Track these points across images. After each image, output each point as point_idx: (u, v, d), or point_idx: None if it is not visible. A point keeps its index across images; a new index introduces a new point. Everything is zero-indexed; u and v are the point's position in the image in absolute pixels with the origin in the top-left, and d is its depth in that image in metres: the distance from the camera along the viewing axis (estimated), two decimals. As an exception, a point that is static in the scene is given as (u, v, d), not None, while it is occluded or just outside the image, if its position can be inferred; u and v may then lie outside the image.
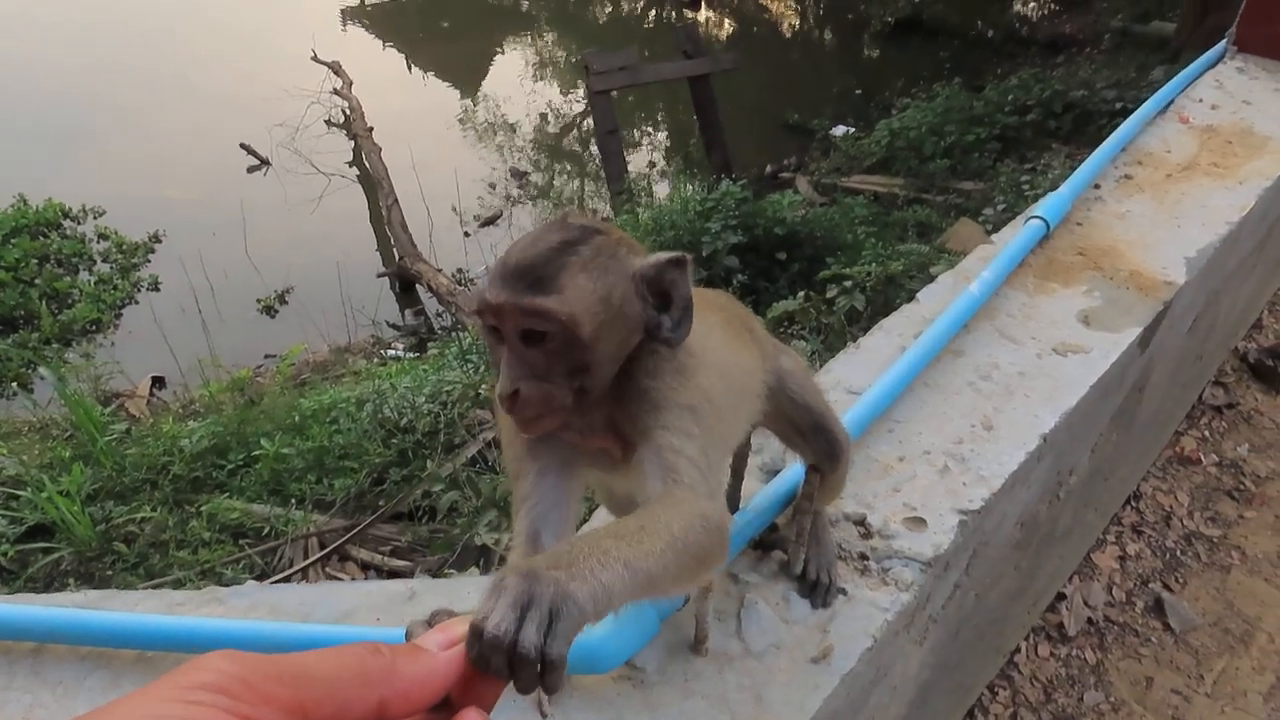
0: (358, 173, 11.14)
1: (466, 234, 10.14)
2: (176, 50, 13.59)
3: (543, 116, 13.49)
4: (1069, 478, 2.38)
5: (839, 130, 11.16)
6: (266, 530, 4.49)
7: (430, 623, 0.72)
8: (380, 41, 15.51)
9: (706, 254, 6.66)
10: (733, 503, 1.70)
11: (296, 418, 5.23)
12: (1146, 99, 3.45)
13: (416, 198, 9.92)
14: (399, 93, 13.27)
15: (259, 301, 9.02)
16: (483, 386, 5.10)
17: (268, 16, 15.27)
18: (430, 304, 9.02)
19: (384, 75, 13.66)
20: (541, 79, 14.90)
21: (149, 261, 9.64)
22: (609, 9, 17.93)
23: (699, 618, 1.46)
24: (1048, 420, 2.00)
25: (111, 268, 9.45)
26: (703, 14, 16.79)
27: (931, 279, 2.55)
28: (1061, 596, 3.04)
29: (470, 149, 12.46)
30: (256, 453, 4.91)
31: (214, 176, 10.96)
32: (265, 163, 11.23)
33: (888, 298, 5.18)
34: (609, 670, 1.40)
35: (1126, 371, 2.37)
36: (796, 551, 1.60)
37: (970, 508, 1.79)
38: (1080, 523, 2.86)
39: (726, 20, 17.27)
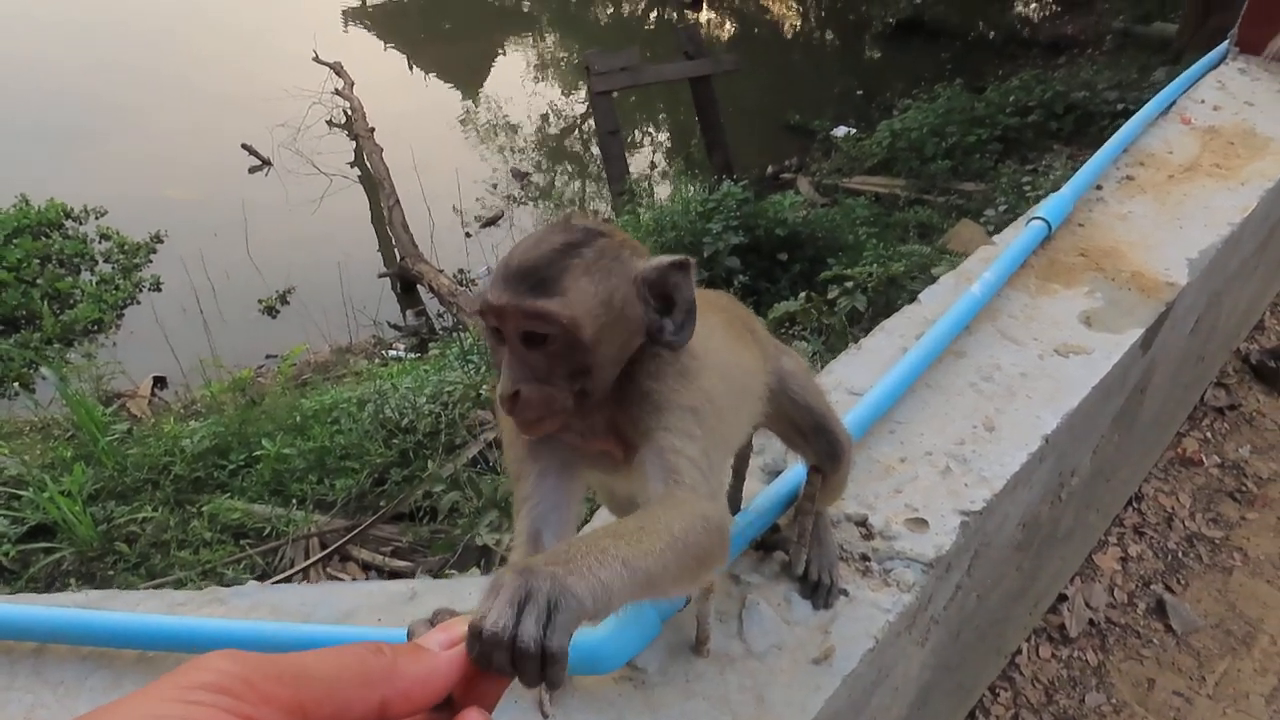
0: (359, 173, 11.15)
1: (468, 234, 10.14)
2: (177, 50, 13.61)
3: (544, 117, 13.50)
4: (1070, 479, 2.38)
5: (840, 131, 11.16)
6: (267, 530, 4.49)
7: (432, 622, 0.72)
8: (382, 42, 15.51)
9: (708, 255, 6.66)
10: (734, 503, 1.70)
11: (298, 418, 5.24)
12: (1148, 100, 3.45)
13: (418, 198, 9.93)
14: (400, 93, 13.28)
15: (260, 302, 9.03)
16: (484, 387, 5.10)
17: (269, 17, 15.29)
18: (431, 304, 9.03)
19: (385, 76, 13.67)
20: (543, 80, 14.91)
21: (150, 262, 9.64)
22: (610, 10, 17.93)
23: (700, 618, 1.45)
24: (1049, 421, 2.00)
25: (113, 268, 9.46)
26: (704, 15, 16.79)
27: (933, 280, 2.54)
28: (1063, 598, 3.04)
29: (472, 150, 12.46)
30: (258, 453, 4.91)
31: (215, 177, 10.96)
32: (267, 163, 11.24)
33: (889, 299, 5.18)
34: (610, 671, 1.40)
35: (1128, 373, 2.37)
36: (798, 552, 1.60)
37: (972, 509, 1.78)
38: (1082, 524, 2.85)
39: (728, 21, 17.27)
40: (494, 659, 0.67)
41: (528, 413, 1.06)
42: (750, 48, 15.18)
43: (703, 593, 1.41)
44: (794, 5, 17.33)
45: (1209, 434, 3.73)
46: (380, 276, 9.40)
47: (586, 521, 1.80)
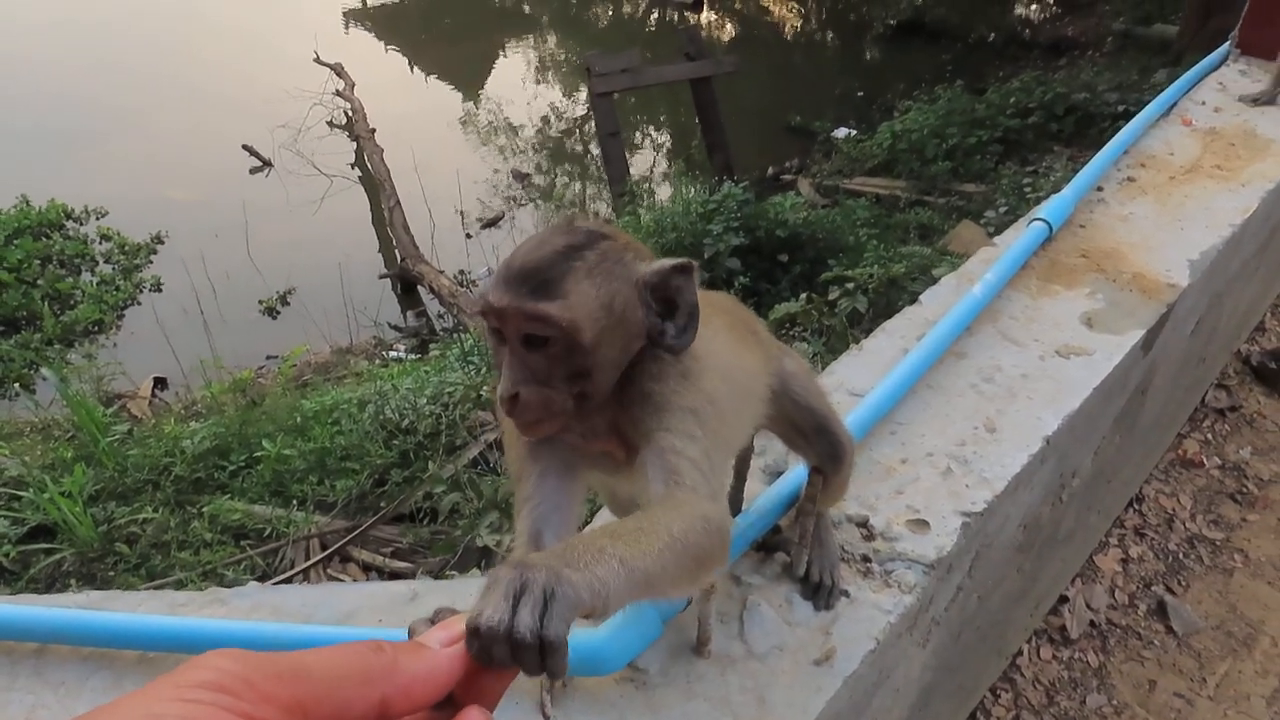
0: (360, 174, 11.16)
1: (468, 235, 10.15)
2: (178, 51, 13.61)
3: (545, 118, 13.50)
4: (1071, 480, 2.38)
5: (841, 132, 11.17)
6: (268, 531, 4.49)
7: (433, 621, 0.72)
8: (382, 43, 15.52)
9: (708, 256, 6.67)
10: (735, 505, 1.70)
11: (298, 419, 5.24)
12: (1149, 102, 3.45)
13: (418, 199, 9.93)
14: (401, 94, 13.29)
15: (261, 302, 9.03)
16: (484, 388, 5.10)
17: (269, 18, 15.31)
18: (432, 305, 9.03)
19: (386, 77, 13.67)
20: (543, 81, 14.92)
21: (151, 262, 9.65)
22: (611, 11, 17.94)
23: (702, 619, 1.45)
24: (1050, 422, 2.00)
25: (114, 269, 9.46)
26: (705, 16, 16.80)
27: (934, 281, 2.54)
28: (1064, 599, 3.04)
29: (472, 151, 12.47)
30: (258, 454, 4.91)
31: (216, 178, 10.97)
32: (267, 164, 11.25)
33: (890, 300, 5.18)
34: (611, 672, 1.40)
35: (1129, 374, 2.37)
36: (799, 553, 1.60)
37: (973, 510, 1.78)
38: (1083, 525, 2.85)
39: (728, 23, 17.28)
40: (494, 653, 0.67)
41: (527, 414, 1.06)
42: (751, 49, 15.18)
43: (704, 594, 1.41)
44: (795, 7, 17.34)
45: (1210, 435, 3.73)
46: (381, 277, 9.40)
47: (588, 522, 1.80)
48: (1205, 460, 3.61)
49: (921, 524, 1.75)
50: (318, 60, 12.51)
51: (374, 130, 11.23)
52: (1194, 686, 2.82)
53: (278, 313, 9.02)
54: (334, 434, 5.01)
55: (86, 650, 1.58)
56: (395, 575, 4.23)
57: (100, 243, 9.81)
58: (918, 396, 2.06)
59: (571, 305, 1.02)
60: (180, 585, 4.02)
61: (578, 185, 12.17)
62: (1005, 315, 2.35)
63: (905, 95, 11.61)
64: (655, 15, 17.12)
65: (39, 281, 8.81)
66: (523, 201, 11.24)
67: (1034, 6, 15.96)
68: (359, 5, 16.64)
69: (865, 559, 1.68)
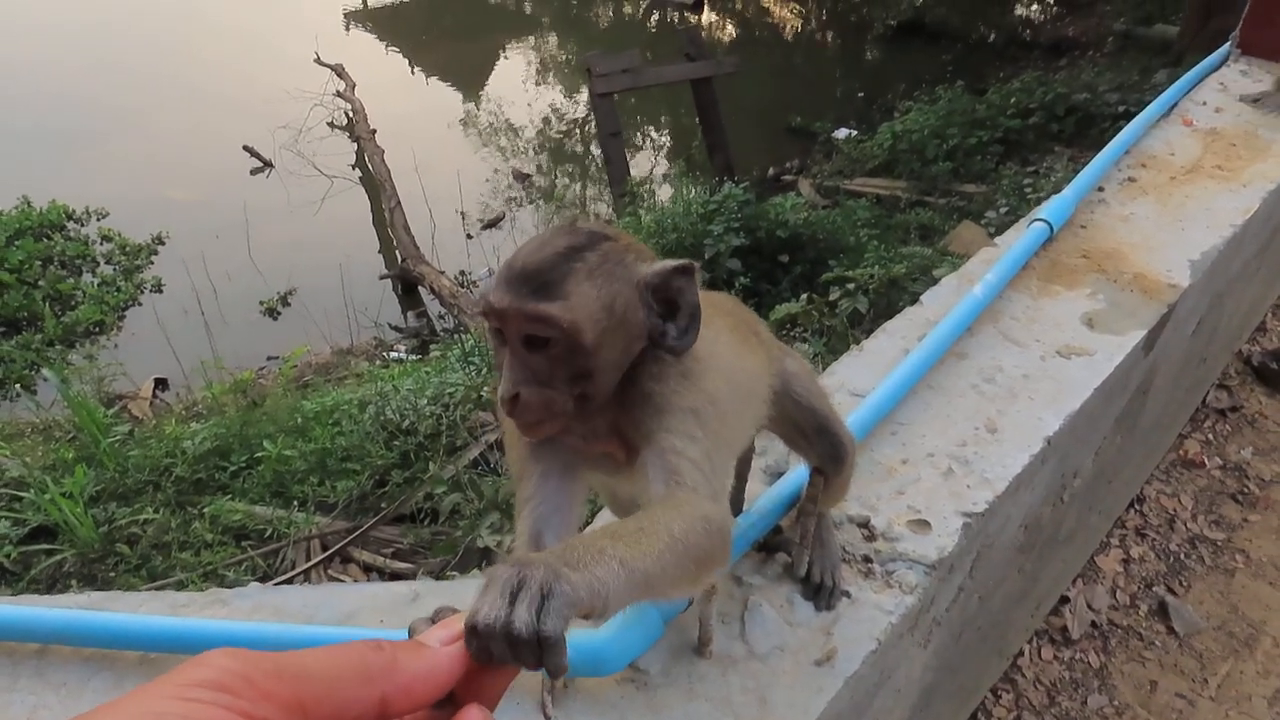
0: (360, 175, 11.16)
1: (469, 236, 10.15)
2: (179, 52, 13.62)
3: (545, 119, 13.51)
4: (1073, 480, 2.38)
5: (841, 133, 11.17)
6: (269, 532, 4.49)
7: (433, 620, 0.72)
8: (383, 44, 15.52)
9: (709, 256, 6.67)
10: (736, 505, 1.70)
11: (299, 420, 5.24)
12: (1150, 102, 3.45)
13: (419, 200, 9.94)
14: (402, 95, 13.29)
15: (262, 303, 9.03)
16: (485, 389, 5.10)
17: (270, 19, 15.31)
18: (433, 306, 9.03)
19: (387, 77, 13.68)
20: (544, 82, 14.92)
21: (152, 263, 9.66)
22: (611, 12, 17.95)
23: (703, 620, 1.45)
24: (1051, 423, 2.00)
25: (115, 269, 9.47)
26: (705, 17, 16.80)
27: (934, 281, 2.54)
28: (1065, 599, 3.04)
29: (473, 151, 12.47)
30: (259, 454, 4.92)
31: (217, 178, 10.98)
32: (268, 165, 11.25)
33: (890, 300, 5.18)
34: (613, 673, 1.40)
35: (1130, 374, 2.37)
36: (800, 554, 1.60)
37: (974, 510, 1.78)
38: (1084, 526, 2.85)
39: (729, 23, 17.28)
40: (493, 650, 0.67)
41: (528, 415, 1.06)
42: (751, 50, 15.18)
43: (705, 594, 1.41)
44: (795, 7, 17.34)
45: (1211, 436, 3.73)
46: (381, 278, 9.40)
47: (589, 523, 1.80)
48: (1206, 460, 3.61)
49: (923, 524, 1.75)
50: (318, 61, 12.52)
51: (375, 131, 11.23)
52: (1195, 687, 2.82)
53: (278, 313, 9.02)
54: (335, 435, 5.01)
55: (88, 651, 1.58)
56: (396, 576, 4.23)
57: (101, 243, 9.81)
58: (919, 397, 2.06)
59: (573, 306, 1.02)
60: (181, 586, 4.02)
61: (578, 186, 12.18)
62: (1006, 316, 2.35)
63: (906, 96, 11.62)
64: (656, 16, 17.12)
65: (40, 282, 8.82)
66: (523, 202, 11.24)
67: (1034, 7, 15.96)
68: (359, 6, 16.65)
69: (866, 559, 1.67)
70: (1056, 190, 2.86)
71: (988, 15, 15.30)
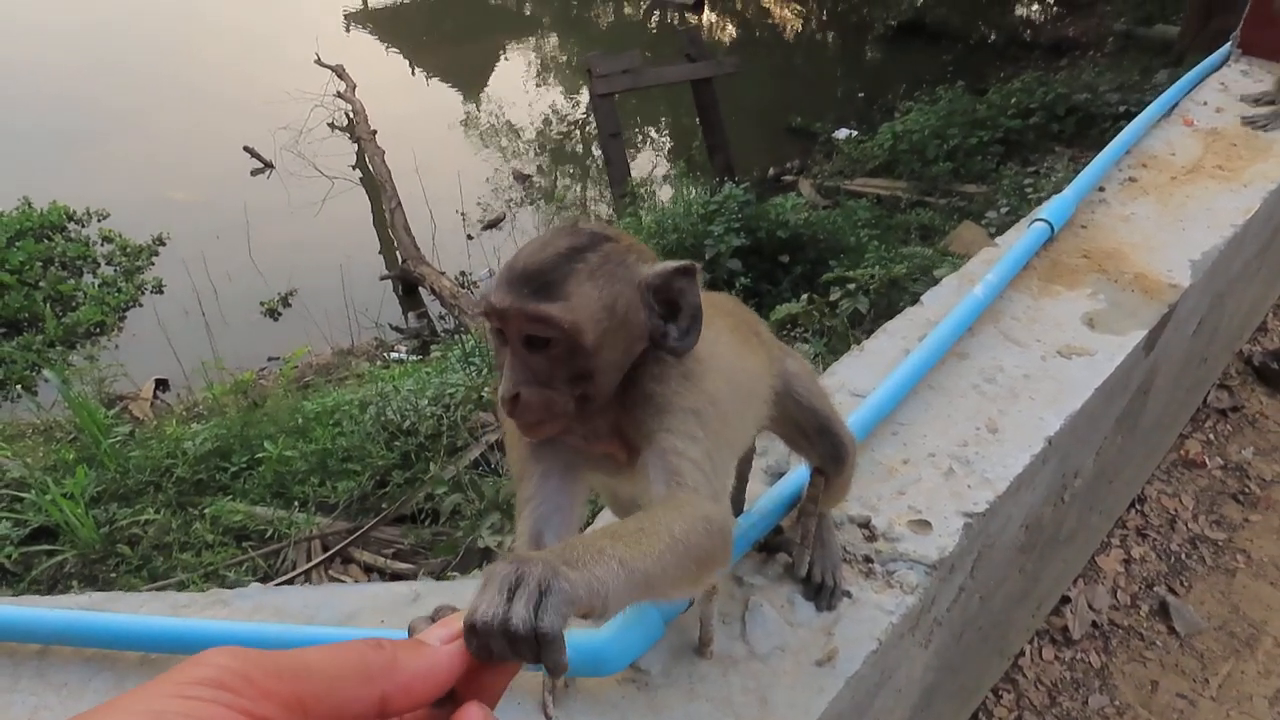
0: (361, 176, 11.16)
1: (469, 237, 10.15)
2: (179, 53, 13.62)
3: (545, 119, 13.51)
4: (1074, 480, 2.38)
5: (842, 133, 11.17)
6: (270, 533, 4.50)
7: (433, 618, 0.72)
8: (383, 45, 15.53)
9: (709, 257, 6.67)
10: (737, 505, 1.70)
11: (299, 420, 5.24)
12: (1150, 102, 3.45)
13: (420, 200, 9.94)
14: (402, 96, 13.29)
15: (262, 304, 9.03)
16: (485, 389, 5.10)
17: (270, 20, 15.31)
18: (433, 307, 9.04)
19: (387, 78, 13.68)
20: (544, 82, 14.92)
21: (153, 264, 9.66)
22: (612, 12, 17.95)
23: (704, 620, 1.45)
24: (1052, 423, 2.00)
25: (115, 270, 9.47)
26: (705, 17, 16.80)
27: (935, 282, 2.54)
28: (1066, 600, 3.04)
29: (473, 152, 12.47)
30: (260, 455, 4.92)
31: (218, 179, 10.97)
32: (269, 166, 11.25)
33: (891, 301, 5.18)
34: (613, 673, 1.40)
35: (1131, 374, 2.37)
36: (801, 554, 1.60)
37: (975, 510, 1.78)
38: (1085, 526, 2.85)
39: (729, 24, 17.28)
40: (492, 647, 0.67)
41: (528, 415, 1.06)
42: (752, 50, 15.19)
43: (706, 595, 1.41)
44: (796, 8, 17.34)
45: (1212, 436, 3.73)
46: (382, 279, 9.40)
47: (589, 524, 1.80)
48: (1207, 460, 3.61)
49: (923, 524, 1.75)
50: (319, 62, 12.52)
51: (375, 132, 11.23)
52: (1196, 687, 2.82)
53: (279, 314, 9.02)
54: (335, 435, 5.01)
55: (89, 651, 1.58)
56: (397, 576, 4.23)
57: (102, 244, 9.81)
58: (919, 397, 2.06)
59: (573, 307, 1.02)
60: (182, 586, 4.03)
61: (579, 186, 12.18)
62: (1007, 316, 2.35)
63: (906, 96, 11.61)
64: (656, 16, 17.13)
65: (41, 283, 8.82)
66: (524, 203, 11.24)
67: (1035, 7, 15.95)
68: (360, 7, 16.65)
69: (867, 559, 1.67)
70: (1057, 190, 2.86)
71: (988, 15, 15.30)
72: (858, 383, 2.08)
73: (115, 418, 5.99)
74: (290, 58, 12.97)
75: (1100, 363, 2.19)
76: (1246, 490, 3.50)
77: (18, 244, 9.17)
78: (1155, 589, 3.13)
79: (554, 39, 16.85)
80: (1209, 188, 2.98)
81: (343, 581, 4.21)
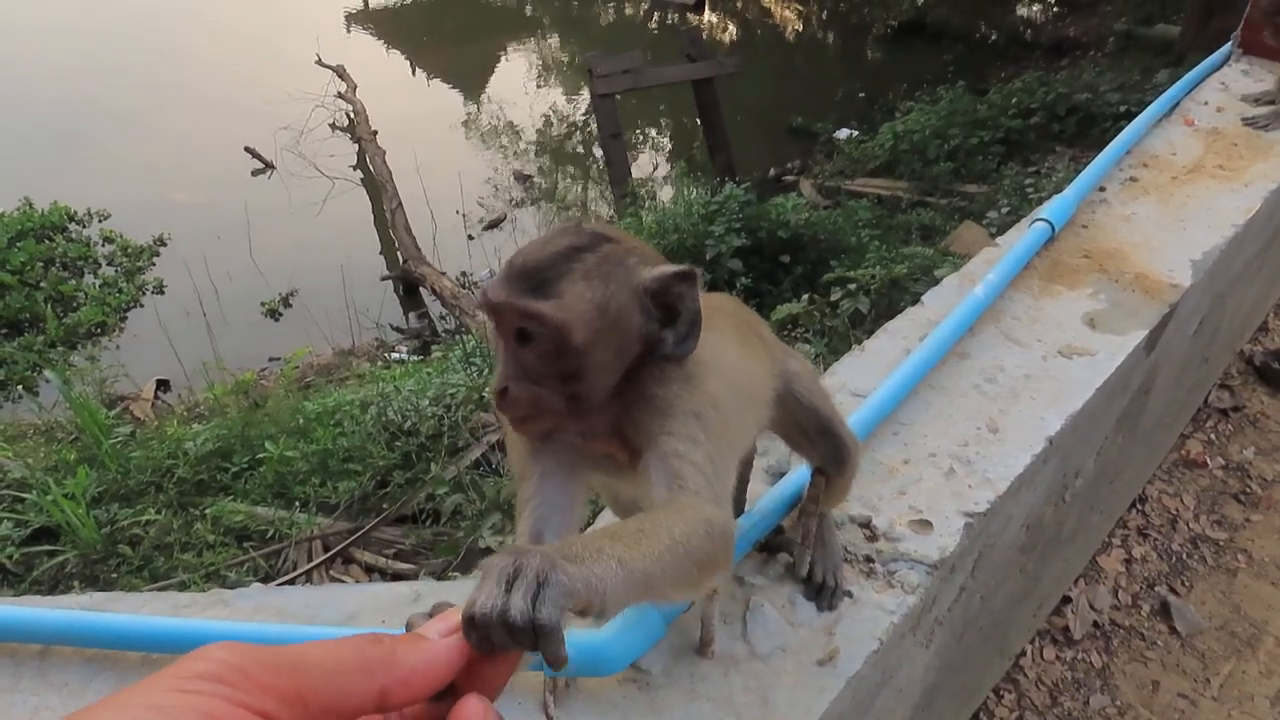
0: (362, 176, 11.17)
1: (470, 237, 10.15)
2: (180, 54, 13.63)
3: (546, 120, 13.51)
4: (1074, 481, 2.38)
5: (843, 133, 11.17)
6: (271, 533, 4.50)
7: (431, 614, 0.72)
8: (384, 45, 15.54)
9: (710, 257, 6.67)
10: (738, 505, 1.70)
11: (300, 420, 5.24)
12: (1151, 102, 3.45)
13: (420, 201, 9.94)
14: (403, 96, 13.30)
15: (263, 305, 9.04)
16: (486, 390, 5.10)
17: (271, 21, 15.31)
18: (434, 307, 9.04)
19: (388, 79, 13.69)
20: (545, 82, 14.93)
21: (154, 265, 9.67)
22: (612, 13, 17.95)
23: (704, 620, 1.45)
24: (1053, 423, 2.00)
25: (116, 271, 9.48)
26: (706, 18, 16.80)
27: (936, 282, 2.54)
28: (1067, 600, 3.04)
29: (474, 152, 12.48)
30: (261, 455, 4.92)
31: (219, 180, 10.98)
32: (270, 166, 11.26)
33: (892, 301, 5.18)
34: (614, 673, 1.40)
35: (1132, 374, 2.37)
36: (802, 554, 1.60)
37: (976, 510, 1.78)
38: (1086, 526, 2.85)
39: (730, 24, 17.28)
40: (493, 637, 0.67)
41: (516, 410, 1.07)
42: (752, 50, 15.19)
43: (707, 595, 1.41)
44: (796, 8, 17.34)
45: (1213, 436, 3.73)
46: (383, 279, 9.41)
47: (590, 524, 1.80)
48: (1208, 460, 3.61)
49: (924, 524, 1.74)
50: (320, 63, 12.53)
51: (376, 132, 11.24)
52: (1198, 687, 2.82)
53: (280, 315, 9.03)
54: (336, 435, 5.01)
55: (90, 652, 1.59)
56: (398, 577, 4.23)
57: (103, 245, 9.82)
58: (920, 397, 2.06)
59: (565, 305, 1.03)
60: (183, 587, 4.03)
61: (580, 187, 12.18)
62: (1008, 316, 2.35)
63: (907, 96, 11.61)
64: (657, 16, 17.13)
65: (42, 284, 8.83)
66: (525, 203, 11.24)
67: (1036, 7, 15.95)
68: (361, 7, 16.66)
69: (868, 559, 1.67)
70: (1058, 190, 2.85)
71: (989, 15, 15.29)
72: (858, 383, 2.08)
73: (116, 418, 6.00)
74: (291, 58, 12.98)
75: (1101, 362, 2.19)
76: (1248, 490, 3.50)
77: (19, 244, 9.18)
78: (1156, 589, 3.12)
79: (555, 39, 16.86)
80: (1210, 187, 2.98)
81: (344, 582, 4.21)
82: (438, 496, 4.49)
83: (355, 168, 11.32)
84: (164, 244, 9.88)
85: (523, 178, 11.79)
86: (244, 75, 13.17)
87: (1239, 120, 3.42)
